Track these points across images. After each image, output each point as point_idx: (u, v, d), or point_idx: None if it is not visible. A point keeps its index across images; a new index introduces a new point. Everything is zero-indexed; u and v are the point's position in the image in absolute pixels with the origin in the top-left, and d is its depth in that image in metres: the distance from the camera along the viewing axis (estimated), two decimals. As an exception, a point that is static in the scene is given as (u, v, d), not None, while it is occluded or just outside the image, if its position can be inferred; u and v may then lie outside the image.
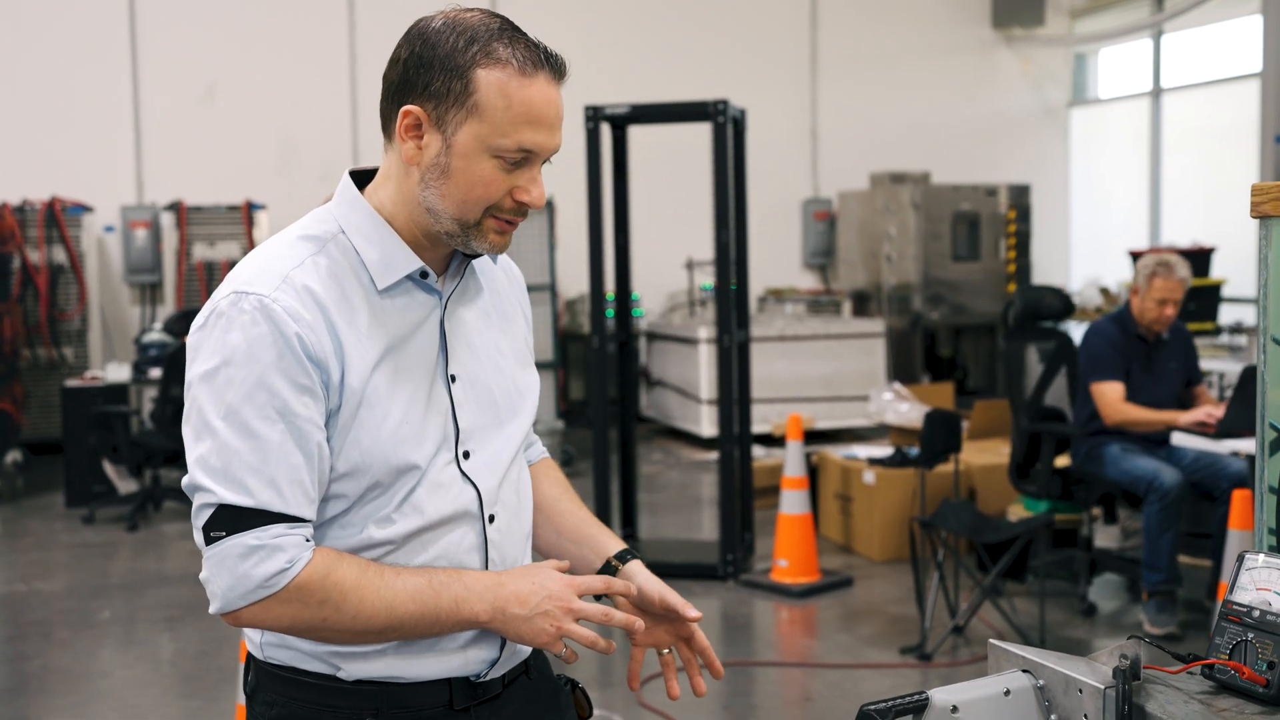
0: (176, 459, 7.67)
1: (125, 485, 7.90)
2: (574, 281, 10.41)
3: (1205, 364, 7.08)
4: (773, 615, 5.70)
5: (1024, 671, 1.64)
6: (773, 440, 8.92)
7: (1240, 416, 4.85)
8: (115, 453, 7.67)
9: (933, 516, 5.12)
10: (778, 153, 11.37)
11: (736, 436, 6.16)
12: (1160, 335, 5.35)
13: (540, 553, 1.87)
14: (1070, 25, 12.56)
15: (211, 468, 1.54)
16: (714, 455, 9.55)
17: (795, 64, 11.74)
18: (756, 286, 10.67)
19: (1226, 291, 10.13)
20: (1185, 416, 5.13)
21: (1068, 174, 12.75)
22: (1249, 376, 4.92)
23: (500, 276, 1.82)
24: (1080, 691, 1.55)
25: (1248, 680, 1.50)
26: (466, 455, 1.68)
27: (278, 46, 10.16)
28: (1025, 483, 5.55)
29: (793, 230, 11.83)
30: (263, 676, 1.69)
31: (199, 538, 1.56)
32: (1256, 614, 1.53)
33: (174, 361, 7.61)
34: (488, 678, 1.72)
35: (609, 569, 1.80)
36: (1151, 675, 1.60)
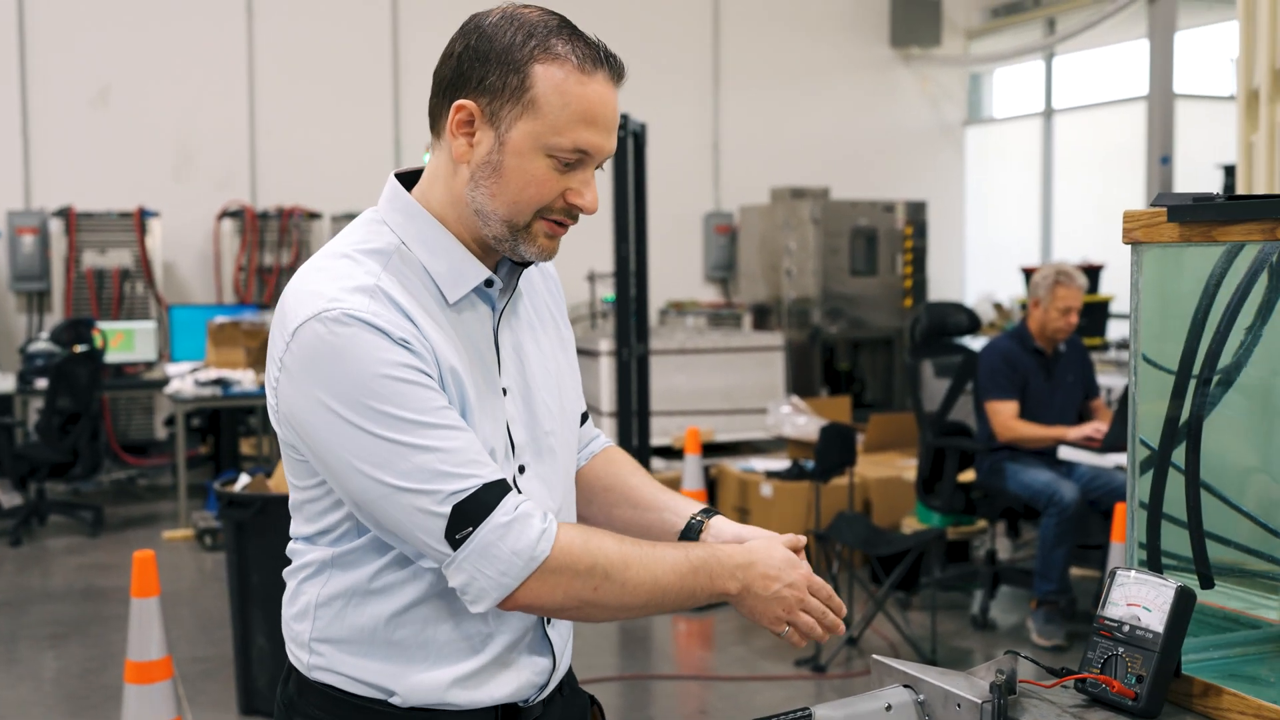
0: (62, 472, 7.48)
1: (8, 499, 7.68)
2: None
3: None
4: (670, 628, 5.71)
5: (905, 686, 1.67)
6: (672, 453, 8.95)
7: (1125, 432, 4.97)
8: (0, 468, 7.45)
9: (828, 529, 5.17)
10: (679, 166, 11.43)
11: (636, 449, 6.17)
12: (1058, 348, 5.48)
13: (622, 530, 1.80)
14: (966, 46, 12.80)
15: (422, 477, 1.46)
16: (614, 467, 9.53)
17: (697, 78, 11.82)
18: (658, 299, 10.71)
19: (1114, 308, 10.40)
20: (1073, 432, 5.25)
21: (963, 191, 12.99)
22: (1132, 392, 5.05)
23: (537, 280, 1.76)
24: (959, 706, 1.58)
25: (1118, 694, 1.55)
26: (522, 470, 1.63)
27: (174, 49, 9.97)
28: (931, 497, 5.64)
29: (694, 243, 11.89)
30: (307, 690, 1.64)
31: (444, 548, 1.48)
32: (1126, 629, 1.58)
33: (60, 372, 7.42)
34: (535, 701, 1.69)
35: (693, 527, 1.79)
36: (1027, 689, 1.64)
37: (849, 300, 10.81)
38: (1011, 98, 12.88)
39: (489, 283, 1.59)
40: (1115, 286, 10.41)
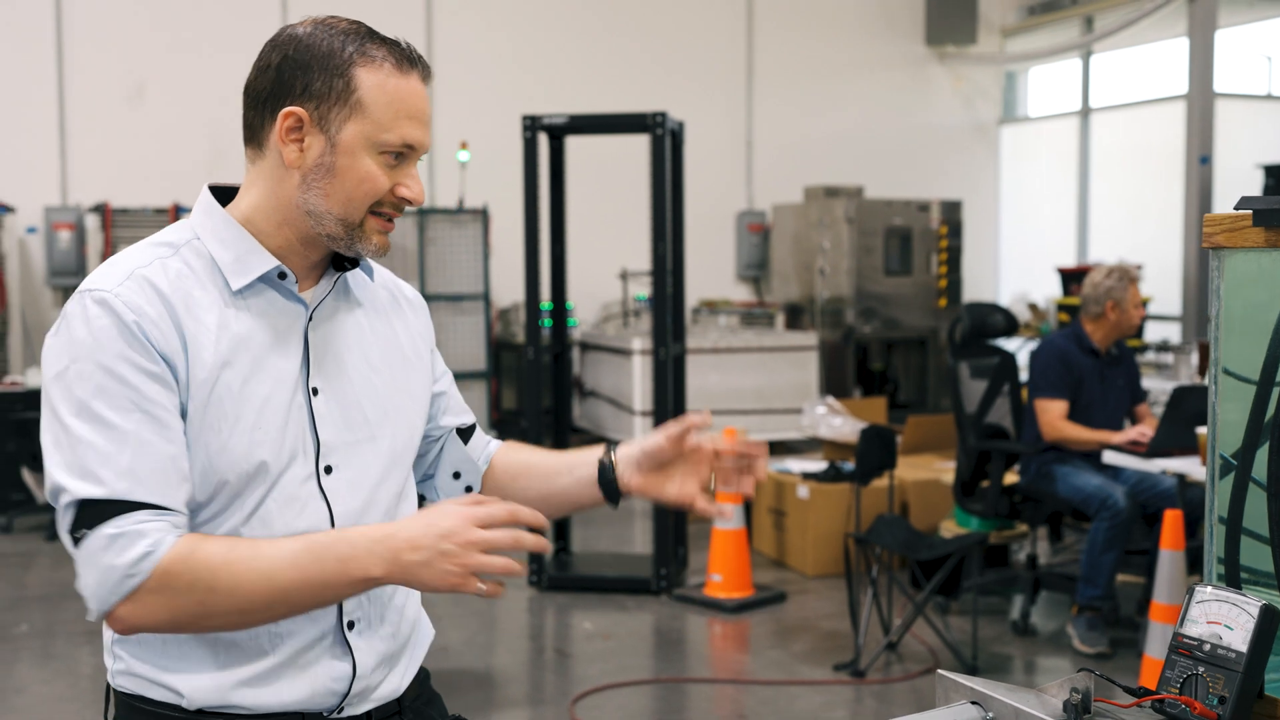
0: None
1: (43, 494, 7.71)
2: (507, 291, 10.34)
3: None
4: (706, 631, 5.67)
5: (973, 703, 1.62)
6: (706, 452, 8.89)
7: (1170, 435, 4.91)
8: (35, 460, 7.47)
9: (867, 532, 5.12)
10: (712, 165, 11.37)
11: (671, 450, 6.13)
12: (1111, 350, 5.43)
13: (543, 503, 1.85)
14: (1001, 44, 12.70)
15: (69, 466, 1.50)
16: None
17: (731, 76, 11.76)
18: (690, 298, 10.66)
19: (1151, 309, 10.30)
20: (1118, 436, 5.18)
21: (997, 190, 12.89)
22: (1179, 397, 4.98)
23: (383, 297, 1.79)
24: (1031, 725, 1.53)
25: (1199, 715, 1.49)
26: (329, 470, 1.64)
27: (209, 45, 9.98)
28: (971, 501, 5.57)
29: (726, 242, 11.84)
30: (119, 707, 1.65)
31: (67, 542, 1.51)
32: (1207, 647, 1.53)
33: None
34: (343, 715, 1.66)
35: (605, 471, 1.80)
36: (1102, 709, 1.59)
37: (882, 300, 10.74)
38: (1047, 96, 12.77)
39: (282, 275, 1.63)
40: (1152, 287, 10.31)
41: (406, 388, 1.76)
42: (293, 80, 1.59)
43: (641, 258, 10.07)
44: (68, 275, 9.16)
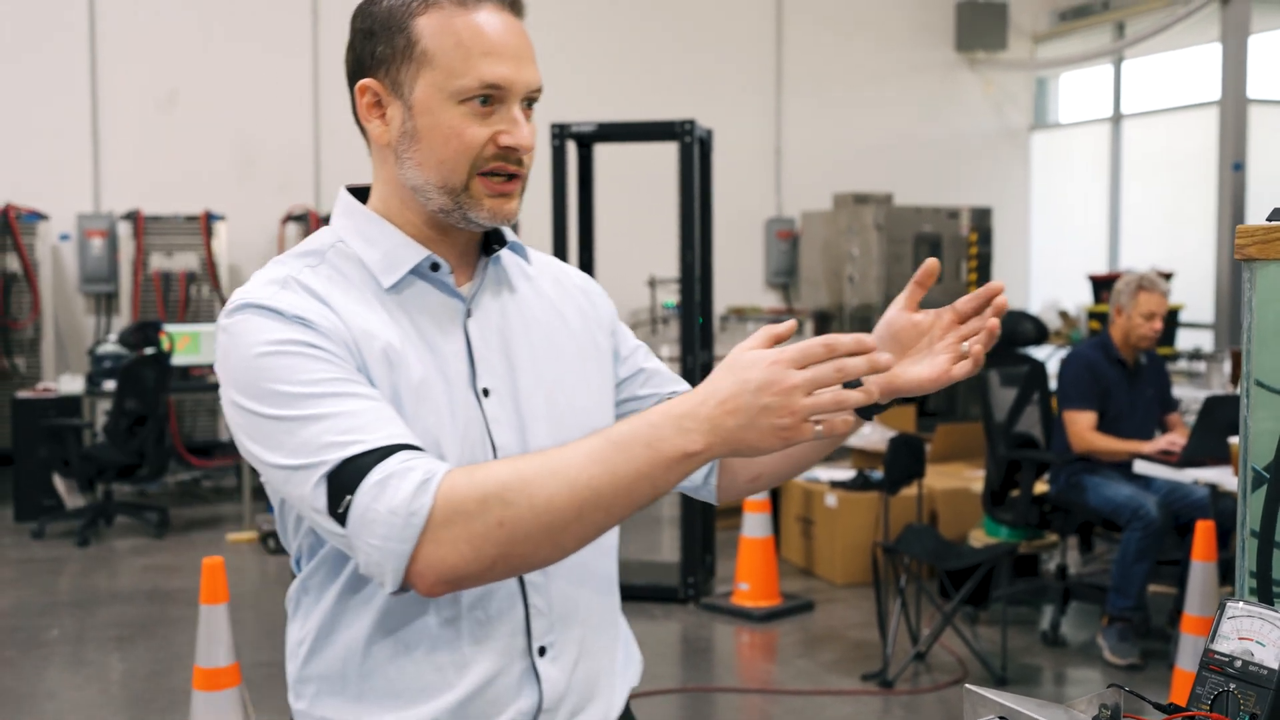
0: (128, 473, 7.55)
1: (74, 500, 7.76)
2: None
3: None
4: (733, 639, 5.65)
5: (1001, 718, 1.61)
6: (734, 460, 8.88)
7: (1203, 445, 4.87)
8: (66, 466, 7.53)
9: (896, 542, 5.09)
10: (741, 171, 11.36)
11: (699, 458, 6.12)
12: (1139, 359, 5.38)
13: (795, 466, 1.71)
14: (1032, 50, 12.64)
15: (302, 450, 1.33)
16: (674, 474, 9.48)
17: (759, 83, 11.75)
18: (719, 305, 10.65)
19: (1183, 317, 10.22)
20: (1149, 445, 5.14)
21: (1028, 197, 12.82)
22: (1211, 406, 4.94)
23: (546, 283, 1.63)
24: (1059, 741, 1.52)
25: (1230, 732, 1.48)
26: None
27: (241, 54, 10.05)
28: (1001, 510, 5.54)
29: (755, 249, 11.82)
30: None
31: (333, 529, 1.32)
32: (1239, 664, 1.51)
33: (128, 374, 7.49)
34: None
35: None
36: (1130, 725, 1.57)
37: (912, 307, 10.70)
38: (1079, 102, 12.70)
39: (434, 266, 1.49)
40: (1185, 295, 10.23)
41: (583, 379, 1.60)
42: (363, 52, 1.48)
43: (670, 265, 10.06)
44: (100, 282, 9.24)
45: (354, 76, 1.50)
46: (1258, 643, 1.50)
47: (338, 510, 1.30)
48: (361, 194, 1.57)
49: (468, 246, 1.54)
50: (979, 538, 5.92)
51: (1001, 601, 5.19)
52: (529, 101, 1.48)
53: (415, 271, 1.49)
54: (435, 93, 1.44)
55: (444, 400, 1.46)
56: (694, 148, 5.92)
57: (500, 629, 1.48)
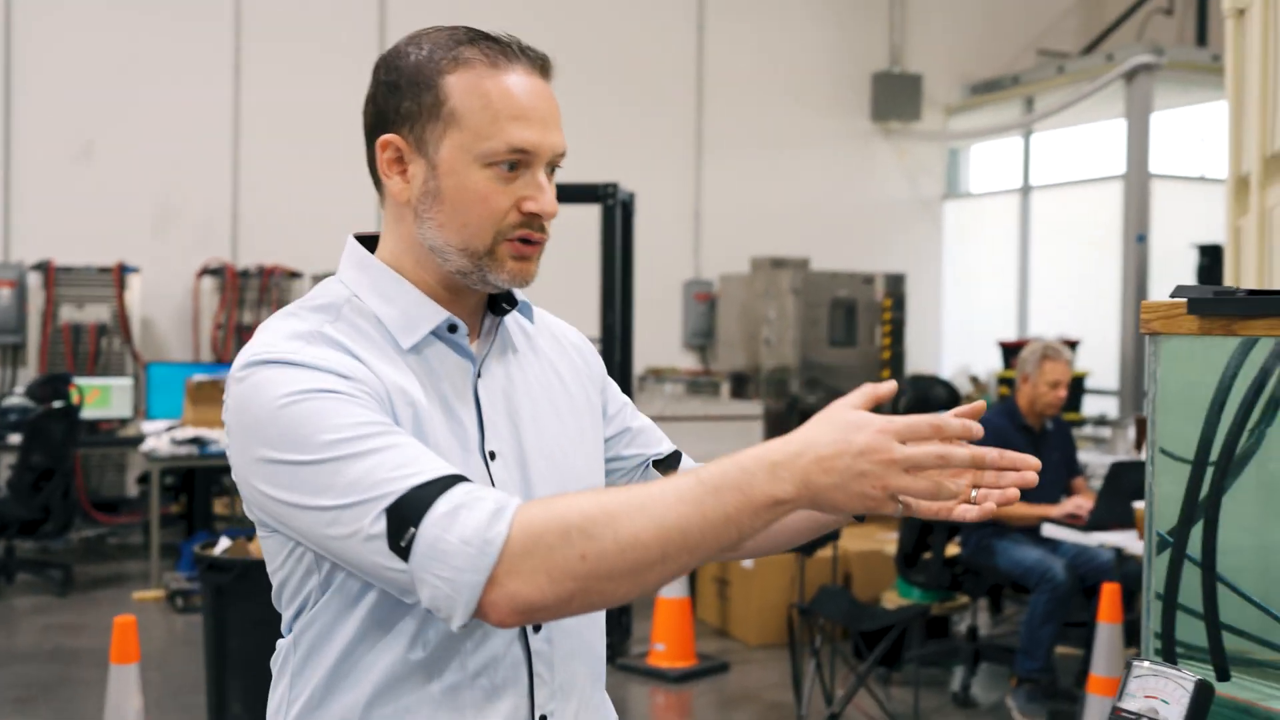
0: (32, 529, 7.38)
1: None
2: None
3: (1072, 455, 7.30)
4: (649, 700, 5.65)
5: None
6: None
7: (1109, 510, 4.99)
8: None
9: (811, 603, 5.14)
10: (660, 233, 11.48)
11: (616, 518, 6.14)
12: (1045, 426, 5.51)
13: (789, 539, 1.65)
14: (945, 121, 12.96)
15: (353, 489, 1.28)
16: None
17: (680, 146, 11.91)
18: (638, 365, 10.71)
19: (1089, 383, 10.47)
20: (1056, 510, 5.26)
21: (940, 264, 13.10)
22: (1117, 471, 5.08)
23: (544, 340, 1.62)
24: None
25: (1137, 788, 1.53)
26: None
27: (160, 106, 9.98)
28: (913, 572, 5.62)
29: (674, 310, 11.92)
30: None
31: (392, 562, 1.26)
32: (1145, 721, 1.56)
33: (35, 428, 7.34)
34: None
35: None
36: (1043, 781, 1.62)
37: (827, 370, 10.85)
38: (989, 173, 13.04)
39: (452, 327, 1.47)
40: (1090, 361, 10.49)
41: (579, 440, 1.58)
42: (387, 106, 1.45)
43: (589, 325, 10.12)
44: (7, 333, 9.05)
45: (375, 130, 1.47)
46: (1162, 700, 1.56)
47: (400, 544, 1.25)
48: (366, 243, 1.54)
49: (477, 306, 1.53)
50: (892, 599, 5.99)
51: (914, 662, 5.26)
52: (552, 166, 1.47)
53: (433, 332, 1.47)
54: (461, 154, 1.42)
55: (459, 463, 1.42)
56: (616, 210, 5.99)
57: (505, 698, 1.45)
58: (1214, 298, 1.53)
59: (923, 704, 5.28)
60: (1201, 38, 12.02)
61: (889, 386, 1.33)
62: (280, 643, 1.53)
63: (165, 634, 6.65)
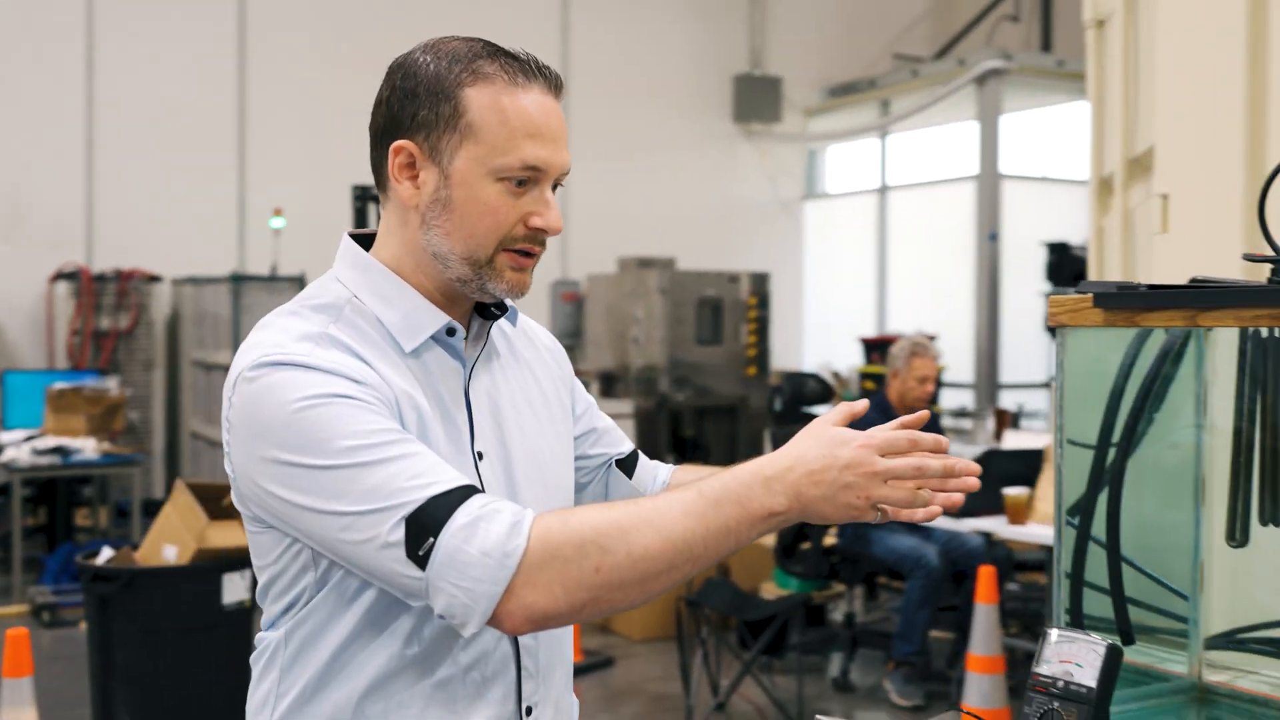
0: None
1: None
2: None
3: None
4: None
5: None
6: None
7: (979, 497, 5.20)
8: None
9: (698, 594, 5.26)
10: (528, 234, 11.52)
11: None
12: None
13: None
14: (804, 123, 13.26)
15: (373, 495, 1.32)
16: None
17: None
18: (508, 366, 10.72)
19: (946, 377, 10.83)
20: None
21: (801, 263, 13.39)
22: (985, 460, 5.30)
23: (521, 344, 1.67)
24: (906, 763, 1.67)
25: (1057, 746, 1.65)
26: None
27: (7, 103, 9.67)
28: (791, 562, 5.77)
29: (541, 311, 11.95)
30: None
31: (411, 573, 1.31)
32: (1061, 684, 1.69)
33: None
34: None
35: None
36: (970, 745, 1.74)
37: (694, 368, 11.01)
38: (848, 174, 13.37)
39: (450, 331, 1.51)
40: (946, 356, 10.85)
41: (555, 439, 1.64)
42: (402, 112, 1.47)
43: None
44: None
45: (387, 134, 1.49)
46: (1076, 664, 1.68)
47: (418, 552, 1.30)
48: (360, 242, 1.56)
49: (467, 310, 1.56)
50: (770, 590, 6.15)
51: (796, 650, 5.41)
52: (556, 183, 1.51)
53: (432, 336, 1.51)
54: (475, 166, 1.45)
55: (453, 463, 1.45)
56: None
57: (494, 690, 1.51)
58: (1118, 292, 1.67)
59: (805, 690, 5.44)
60: (1046, 44, 12.53)
61: (863, 404, 1.46)
62: (264, 637, 1.55)
63: (34, 650, 6.44)
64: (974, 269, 11.20)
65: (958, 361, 11.13)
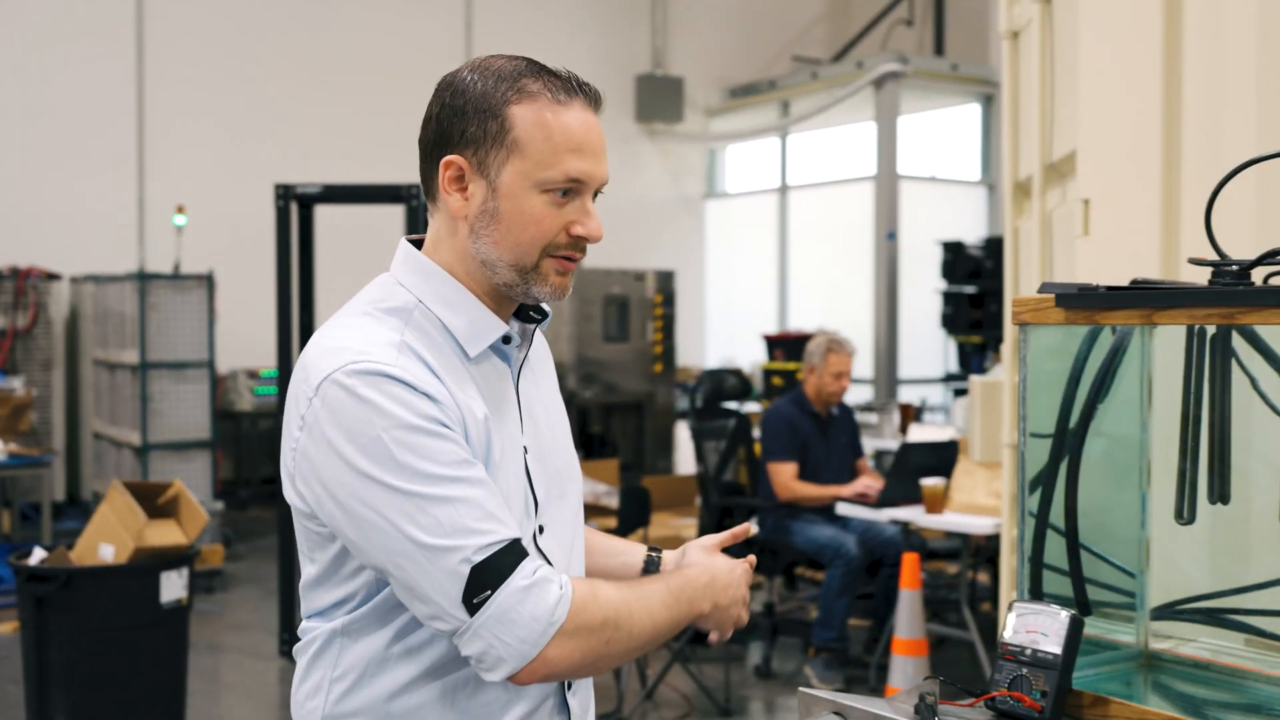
0: None
1: None
2: (231, 357, 10.15)
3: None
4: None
5: (835, 714, 1.88)
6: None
7: (898, 488, 5.41)
8: None
9: (624, 587, 5.38)
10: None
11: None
12: (831, 412, 5.91)
13: (588, 573, 1.84)
14: (706, 123, 13.45)
15: (442, 531, 1.44)
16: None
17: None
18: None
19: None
20: (846, 490, 5.66)
21: (704, 261, 13.58)
22: (905, 452, 5.52)
23: (541, 348, 1.78)
24: (889, 728, 1.80)
25: (1027, 707, 1.81)
26: (541, 530, 1.64)
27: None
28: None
29: (447, 309, 11.99)
30: None
31: (460, 613, 1.45)
32: (1029, 653, 1.84)
33: None
34: None
35: (652, 561, 1.88)
36: (946, 710, 1.88)
37: (602, 365, 11.13)
38: (749, 174, 13.60)
39: (506, 339, 1.61)
40: (847, 352, 11.12)
41: (567, 434, 1.77)
42: (451, 128, 1.56)
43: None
44: None
45: (437, 148, 1.58)
46: (1042, 634, 1.84)
47: (473, 600, 1.45)
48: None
49: (509, 315, 1.66)
50: (691, 581, 6.29)
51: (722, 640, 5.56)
52: (596, 193, 1.61)
53: (491, 345, 1.61)
54: (521, 180, 1.54)
55: (509, 464, 1.59)
56: (420, 211, 6.08)
57: None
58: (1079, 293, 1.82)
59: (729, 678, 5.59)
60: (939, 48, 12.88)
61: (744, 529, 1.88)
62: (312, 627, 1.63)
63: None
64: (873, 267, 11.48)
65: (857, 358, 11.38)
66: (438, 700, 1.57)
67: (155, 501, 4.48)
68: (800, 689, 1.91)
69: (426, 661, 1.57)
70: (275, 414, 10.32)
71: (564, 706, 1.67)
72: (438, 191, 1.60)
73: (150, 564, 4.32)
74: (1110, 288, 1.82)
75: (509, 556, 1.46)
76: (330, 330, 1.58)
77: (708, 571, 1.68)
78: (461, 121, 1.56)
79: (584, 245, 1.61)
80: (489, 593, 1.44)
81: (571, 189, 1.57)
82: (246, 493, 10.45)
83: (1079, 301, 1.82)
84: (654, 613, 1.58)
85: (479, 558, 1.44)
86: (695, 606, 1.64)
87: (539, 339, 1.82)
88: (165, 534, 4.38)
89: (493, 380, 1.61)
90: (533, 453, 1.65)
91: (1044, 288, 1.89)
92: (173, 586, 4.35)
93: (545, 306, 1.72)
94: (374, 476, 1.45)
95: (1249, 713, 1.86)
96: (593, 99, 1.61)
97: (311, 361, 1.53)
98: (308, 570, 1.62)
